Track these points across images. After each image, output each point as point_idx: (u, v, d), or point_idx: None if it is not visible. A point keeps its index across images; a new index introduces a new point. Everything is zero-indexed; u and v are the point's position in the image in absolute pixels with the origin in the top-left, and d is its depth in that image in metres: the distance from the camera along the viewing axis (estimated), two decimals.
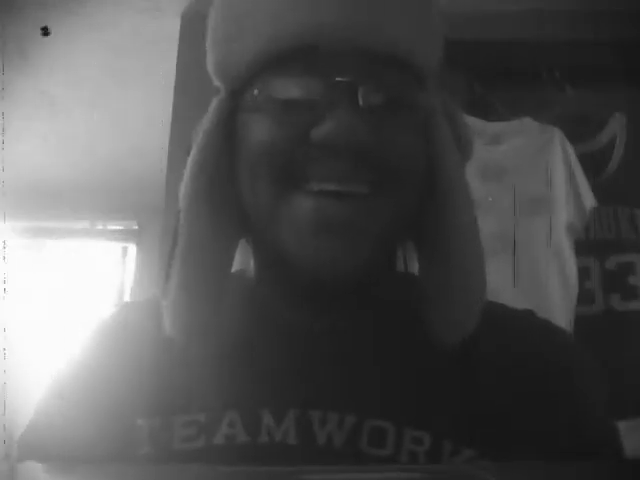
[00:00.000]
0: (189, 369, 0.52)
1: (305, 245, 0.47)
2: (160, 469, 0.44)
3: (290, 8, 0.48)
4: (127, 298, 2.60)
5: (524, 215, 1.52)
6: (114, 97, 1.99)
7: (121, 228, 2.76)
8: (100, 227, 2.78)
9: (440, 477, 0.35)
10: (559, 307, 1.45)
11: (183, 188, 0.52)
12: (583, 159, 1.53)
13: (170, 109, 1.62)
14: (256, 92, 0.49)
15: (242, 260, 0.57)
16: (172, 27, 1.67)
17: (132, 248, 2.73)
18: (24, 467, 0.41)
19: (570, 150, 1.53)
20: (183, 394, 0.51)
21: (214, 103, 0.53)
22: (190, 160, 0.52)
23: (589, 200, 1.49)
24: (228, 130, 0.52)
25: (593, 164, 1.56)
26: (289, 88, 0.48)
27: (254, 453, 0.47)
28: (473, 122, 1.59)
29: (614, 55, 1.60)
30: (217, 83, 0.54)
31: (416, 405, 0.49)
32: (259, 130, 0.49)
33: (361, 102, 0.47)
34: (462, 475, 0.35)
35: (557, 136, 1.54)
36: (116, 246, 2.78)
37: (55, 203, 2.63)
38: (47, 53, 1.83)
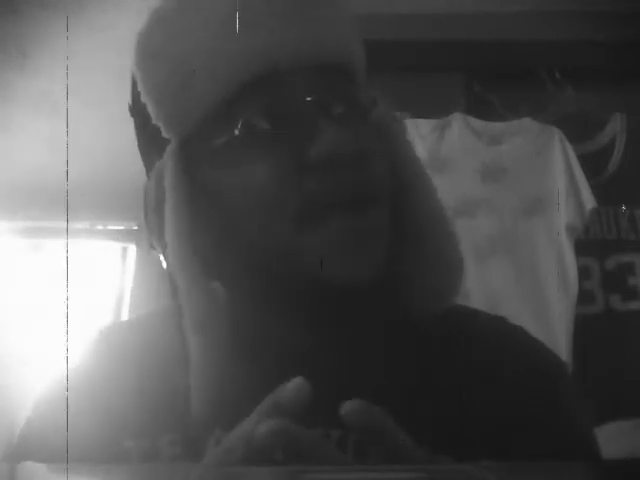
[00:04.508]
0: (177, 388, 0.50)
1: (338, 262, 0.47)
2: (160, 468, 0.44)
3: (245, 41, 0.48)
4: (127, 298, 2.60)
5: (524, 215, 1.52)
6: (114, 97, 1.99)
7: (121, 228, 2.76)
8: (100, 227, 2.78)
9: (440, 477, 0.35)
10: (559, 307, 1.45)
11: (167, 241, 0.49)
12: (583, 159, 1.53)
13: None
14: (237, 132, 0.47)
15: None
16: None
17: (132, 248, 2.73)
18: (24, 467, 0.41)
19: (570, 150, 1.53)
20: (171, 413, 0.50)
21: (169, 155, 0.50)
22: (169, 218, 0.49)
23: (589, 200, 1.49)
24: (191, 180, 0.49)
25: (593, 164, 1.56)
26: (271, 118, 0.47)
27: (242, 469, 0.47)
28: (473, 122, 1.60)
29: (614, 55, 1.60)
30: (167, 134, 0.50)
31: (397, 415, 0.49)
32: (243, 171, 0.48)
33: (333, 115, 0.48)
34: (462, 475, 0.35)
35: (557, 136, 1.54)
36: (116, 246, 2.78)
37: (55, 203, 2.63)
38: (47, 53, 1.83)
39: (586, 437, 0.54)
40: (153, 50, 0.51)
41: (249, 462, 0.37)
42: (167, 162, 0.50)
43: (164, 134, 0.50)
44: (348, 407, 0.36)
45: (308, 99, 0.47)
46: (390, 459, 0.38)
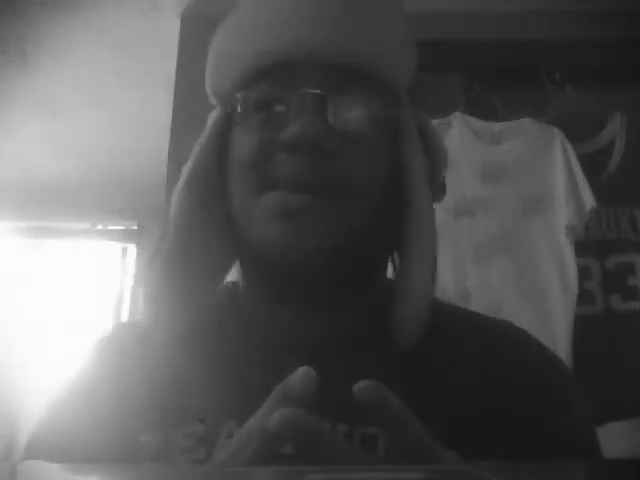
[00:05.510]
0: (187, 382, 0.52)
1: (273, 233, 0.50)
2: (164, 469, 0.44)
3: (268, 30, 0.54)
4: (127, 299, 2.60)
5: (524, 215, 1.52)
6: (114, 97, 2.00)
7: (121, 228, 2.76)
8: (100, 227, 2.78)
9: (440, 477, 0.35)
10: (559, 307, 1.45)
11: (176, 198, 0.55)
12: (583, 159, 1.53)
13: (170, 109, 1.63)
14: (238, 108, 0.53)
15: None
16: (172, 27, 1.67)
17: (132, 248, 2.73)
18: (24, 467, 0.41)
19: (570, 150, 1.53)
20: (182, 407, 0.51)
21: (210, 118, 0.58)
22: (184, 173, 0.56)
23: (589, 200, 1.49)
24: (223, 146, 0.56)
25: (593, 164, 1.56)
26: (264, 101, 0.53)
27: (244, 469, 0.48)
28: (473, 122, 1.60)
29: (614, 55, 1.60)
30: (213, 101, 0.59)
31: None
32: (241, 143, 0.54)
33: (328, 113, 0.51)
34: (462, 475, 0.35)
35: (557, 136, 1.54)
36: (116, 246, 2.78)
37: (55, 203, 2.63)
38: (47, 53, 1.83)
39: (588, 437, 0.54)
40: (213, 43, 0.60)
41: (264, 453, 0.37)
42: (207, 123, 0.58)
43: (210, 100, 0.59)
44: (361, 385, 0.37)
45: (310, 91, 0.51)
46: (399, 448, 0.38)
